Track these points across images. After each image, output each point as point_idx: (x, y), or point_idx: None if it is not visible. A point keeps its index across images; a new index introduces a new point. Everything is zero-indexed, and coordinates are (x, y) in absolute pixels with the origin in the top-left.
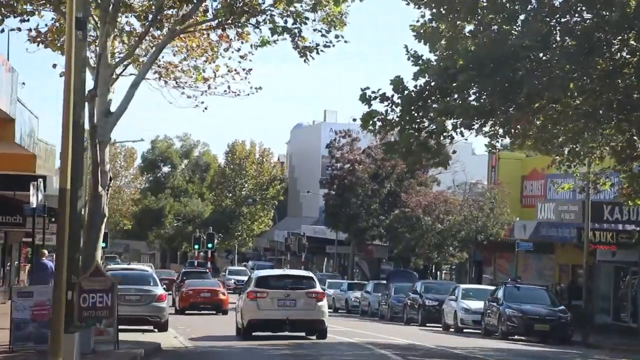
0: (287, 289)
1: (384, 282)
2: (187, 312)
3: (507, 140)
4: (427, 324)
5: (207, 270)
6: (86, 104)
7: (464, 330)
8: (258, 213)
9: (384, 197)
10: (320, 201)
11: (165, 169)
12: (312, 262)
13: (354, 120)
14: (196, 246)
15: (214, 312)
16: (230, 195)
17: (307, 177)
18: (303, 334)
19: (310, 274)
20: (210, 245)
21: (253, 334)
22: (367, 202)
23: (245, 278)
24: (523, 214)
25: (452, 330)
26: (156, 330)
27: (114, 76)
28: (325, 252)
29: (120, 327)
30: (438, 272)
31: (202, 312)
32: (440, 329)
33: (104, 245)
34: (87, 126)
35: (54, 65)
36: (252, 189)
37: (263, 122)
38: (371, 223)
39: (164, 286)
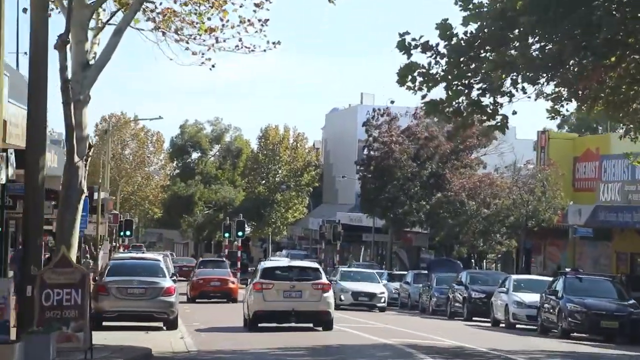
0: (293, 280)
1: (425, 272)
2: (197, 300)
3: (571, 106)
4: (474, 319)
5: (224, 259)
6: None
7: (517, 327)
8: (292, 200)
9: (425, 180)
10: (357, 187)
11: (195, 155)
12: (348, 251)
13: (392, 102)
14: (226, 234)
15: (225, 300)
16: (263, 182)
17: (343, 162)
18: (310, 325)
19: (317, 265)
20: (240, 234)
21: (259, 325)
22: (406, 186)
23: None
24: (576, 197)
25: (503, 326)
26: (165, 328)
27: (100, 24)
28: (362, 240)
29: (123, 324)
30: (482, 262)
31: (212, 300)
32: (489, 324)
33: (128, 234)
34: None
35: (25, 10)
36: (286, 175)
37: (297, 108)
38: (411, 208)
39: (175, 277)
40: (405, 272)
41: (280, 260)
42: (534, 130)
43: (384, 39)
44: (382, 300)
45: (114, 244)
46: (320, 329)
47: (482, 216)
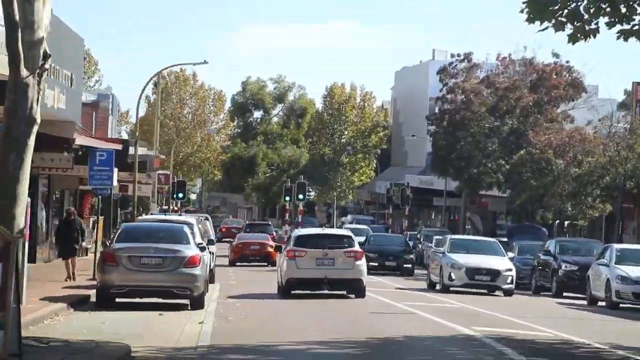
0: (325, 248)
1: (504, 239)
2: (237, 263)
3: None
4: (564, 294)
5: (269, 224)
6: None
7: (621, 306)
8: (359, 163)
9: (504, 136)
10: (427, 148)
11: (257, 114)
12: (417, 216)
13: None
14: (287, 198)
15: (265, 263)
16: (329, 143)
17: (413, 121)
18: (343, 292)
19: (349, 233)
20: (301, 197)
21: (292, 292)
22: (483, 143)
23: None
24: None
25: (603, 304)
26: (190, 307)
27: None
28: (432, 205)
29: (137, 300)
30: (564, 229)
31: (252, 263)
32: (584, 302)
33: (180, 196)
34: None
35: None
36: (353, 136)
37: (364, 68)
38: (488, 168)
39: (203, 245)
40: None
41: (312, 229)
42: (618, 89)
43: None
44: (509, 280)
45: (166, 206)
46: (353, 296)
47: (571, 176)
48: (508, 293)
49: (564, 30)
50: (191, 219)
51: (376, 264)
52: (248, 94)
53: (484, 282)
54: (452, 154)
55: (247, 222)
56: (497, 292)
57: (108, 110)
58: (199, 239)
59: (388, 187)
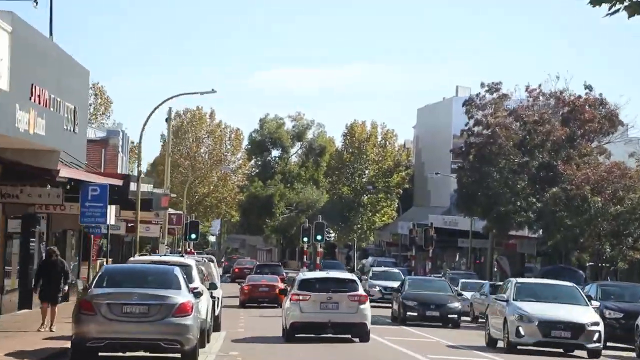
0: (330, 292)
1: None
2: (247, 304)
3: None
4: (608, 344)
5: (280, 264)
6: None
7: None
8: (380, 203)
9: (534, 172)
10: (451, 187)
11: (275, 152)
12: (441, 258)
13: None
14: (305, 239)
15: (275, 305)
16: (349, 182)
17: (436, 160)
18: (349, 336)
19: (353, 277)
20: (319, 237)
21: (296, 335)
22: (512, 180)
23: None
24: None
25: None
26: None
27: None
28: (457, 246)
29: (120, 355)
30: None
31: (262, 305)
32: (633, 354)
33: (193, 237)
34: None
35: None
36: (374, 175)
37: (385, 107)
38: (517, 206)
39: (198, 290)
40: None
41: (316, 272)
42: None
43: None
44: (596, 337)
45: (177, 249)
46: (357, 340)
47: (611, 214)
48: (595, 354)
49: None
50: (190, 260)
51: (415, 314)
52: (266, 131)
53: (564, 340)
54: (479, 191)
55: (257, 263)
56: (577, 352)
57: (118, 148)
58: (196, 283)
59: (411, 228)
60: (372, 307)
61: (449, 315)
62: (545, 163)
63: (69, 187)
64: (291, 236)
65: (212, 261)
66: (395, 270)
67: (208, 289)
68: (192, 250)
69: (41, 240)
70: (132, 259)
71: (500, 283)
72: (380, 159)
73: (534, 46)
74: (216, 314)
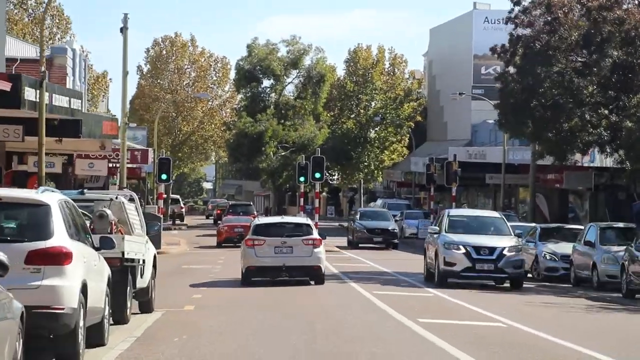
0: (284, 237)
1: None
2: (223, 245)
3: None
4: None
5: (251, 204)
6: None
7: None
8: (389, 138)
9: (606, 74)
10: (473, 117)
11: (267, 83)
12: (465, 198)
13: None
14: (301, 178)
15: None
16: (353, 115)
17: (454, 87)
18: (307, 279)
19: (308, 221)
20: (317, 175)
21: (252, 279)
22: (575, 86)
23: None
24: None
25: None
26: None
27: None
28: (485, 183)
29: None
30: None
31: (237, 245)
32: None
33: (164, 177)
34: None
35: None
36: (381, 107)
37: (393, 31)
38: (585, 120)
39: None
40: (581, 226)
41: (271, 217)
42: None
43: None
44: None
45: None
46: (313, 283)
47: None
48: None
49: None
50: (49, 197)
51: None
52: (255, 59)
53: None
54: (531, 102)
55: (230, 202)
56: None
57: (66, 69)
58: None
59: (428, 163)
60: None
61: None
62: (619, 61)
63: None
64: (286, 178)
65: (133, 200)
66: (385, 211)
67: (96, 249)
68: (163, 194)
69: None
70: None
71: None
72: (389, 88)
73: None
74: (139, 287)
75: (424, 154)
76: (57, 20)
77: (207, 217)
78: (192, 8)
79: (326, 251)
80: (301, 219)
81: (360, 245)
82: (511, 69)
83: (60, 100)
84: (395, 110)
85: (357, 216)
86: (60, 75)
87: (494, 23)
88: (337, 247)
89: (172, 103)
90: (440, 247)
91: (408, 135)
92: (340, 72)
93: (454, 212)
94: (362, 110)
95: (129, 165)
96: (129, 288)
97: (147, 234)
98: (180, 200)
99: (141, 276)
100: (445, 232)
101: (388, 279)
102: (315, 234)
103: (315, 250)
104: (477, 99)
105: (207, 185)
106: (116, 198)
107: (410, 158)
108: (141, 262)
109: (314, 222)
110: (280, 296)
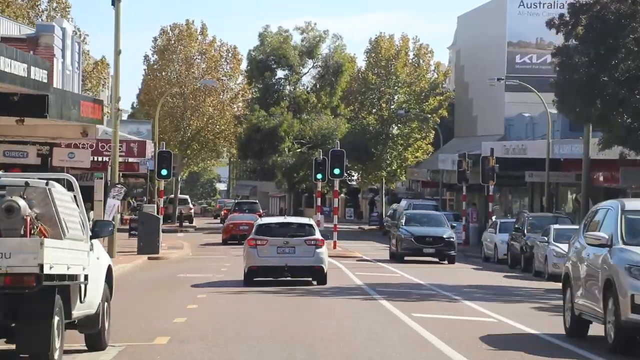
0: (287, 237)
1: None
2: (228, 242)
3: None
4: None
5: (257, 202)
6: None
7: None
8: (413, 135)
9: None
10: (507, 110)
11: (281, 73)
12: (504, 197)
13: None
14: (319, 176)
15: None
16: (374, 110)
17: (485, 78)
18: (309, 279)
19: (311, 221)
20: (337, 172)
21: (254, 279)
22: None
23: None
24: None
25: None
26: None
27: None
28: (524, 181)
29: None
30: None
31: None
32: None
33: (164, 173)
34: None
35: None
36: (405, 101)
37: (417, 21)
38: None
39: None
40: None
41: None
42: None
43: None
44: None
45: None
46: (315, 283)
47: None
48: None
49: None
50: None
51: None
52: (268, 48)
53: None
54: (600, 78)
55: (236, 200)
56: None
57: (53, 49)
58: None
59: (459, 159)
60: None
61: None
62: None
63: None
64: (301, 178)
65: (72, 189)
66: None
67: None
68: (162, 192)
69: None
70: None
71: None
72: (413, 80)
73: None
74: (79, 315)
75: (452, 151)
76: (55, 3)
77: (215, 218)
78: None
79: (358, 260)
80: (304, 219)
81: (405, 258)
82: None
83: (14, 67)
84: (419, 104)
85: (402, 220)
86: (46, 56)
87: (530, 7)
88: (375, 260)
89: (179, 96)
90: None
91: (433, 132)
92: (360, 63)
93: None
94: (384, 105)
95: (126, 159)
96: (56, 319)
97: (96, 237)
98: (189, 200)
99: (82, 299)
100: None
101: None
102: (318, 235)
103: (318, 250)
104: (512, 90)
105: (221, 187)
106: (46, 184)
107: (438, 155)
108: (81, 278)
109: (333, 224)
110: (288, 321)
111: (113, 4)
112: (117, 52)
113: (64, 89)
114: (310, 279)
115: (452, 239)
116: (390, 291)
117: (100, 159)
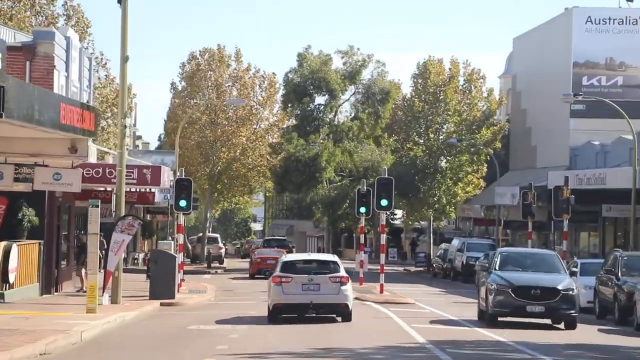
0: (311, 274)
1: None
2: (255, 276)
3: None
4: None
5: (286, 239)
6: None
7: None
8: (464, 168)
9: None
10: (572, 138)
11: (320, 100)
12: (570, 235)
13: None
14: (362, 209)
15: None
16: (422, 140)
17: (545, 104)
18: (333, 315)
19: (336, 258)
20: (384, 203)
21: (280, 316)
22: None
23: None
24: None
25: None
26: None
27: None
28: (601, 216)
29: None
30: None
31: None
32: None
33: (183, 205)
34: None
35: None
36: (454, 131)
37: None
38: None
39: None
40: None
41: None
42: None
43: None
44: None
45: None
46: (340, 320)
47: None
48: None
49: None
50: None
51: None
52: (307, 71)
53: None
54: None
55: (265, 237)
56: None
57: (53, 60)
58: None
59: (524, 192)
60: None
61: None
62: None
63: None
64: (343, 214)
65: None
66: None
67: None
68: (182, 226)
69: None
70: None
71: None
72: (464, 108)
73: None
74: None
75: (509, 184)
76: (75, 21)
77: (243, 258)
78: (234, 21)
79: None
80: (329, 257)
81: (500, 318)
82: None
83: None
84: (471, 134)
85: (496, 263)
86: (45, 67)
87: (599, 23)
88: (461, 319)
89: (209, 125)
90: None
91: (486, 165)
92: (406, 89)
93: None
94: (431, 135)
95: (136, 188)
96: None
97: None
98: (220, 239)
99: None
100: None
101: None
102: (342, 272)
103: (343, 287)
104: (578, 116)
105: (256, 227)
106: None
107: (494, 188)
108: None
109: (380, 264)
110: None
111: (119, 1)
112: (125, 59)
113: (32, 84)
114: (334, 315)
115: (571, 293)
116: None
117: (102, 188)
